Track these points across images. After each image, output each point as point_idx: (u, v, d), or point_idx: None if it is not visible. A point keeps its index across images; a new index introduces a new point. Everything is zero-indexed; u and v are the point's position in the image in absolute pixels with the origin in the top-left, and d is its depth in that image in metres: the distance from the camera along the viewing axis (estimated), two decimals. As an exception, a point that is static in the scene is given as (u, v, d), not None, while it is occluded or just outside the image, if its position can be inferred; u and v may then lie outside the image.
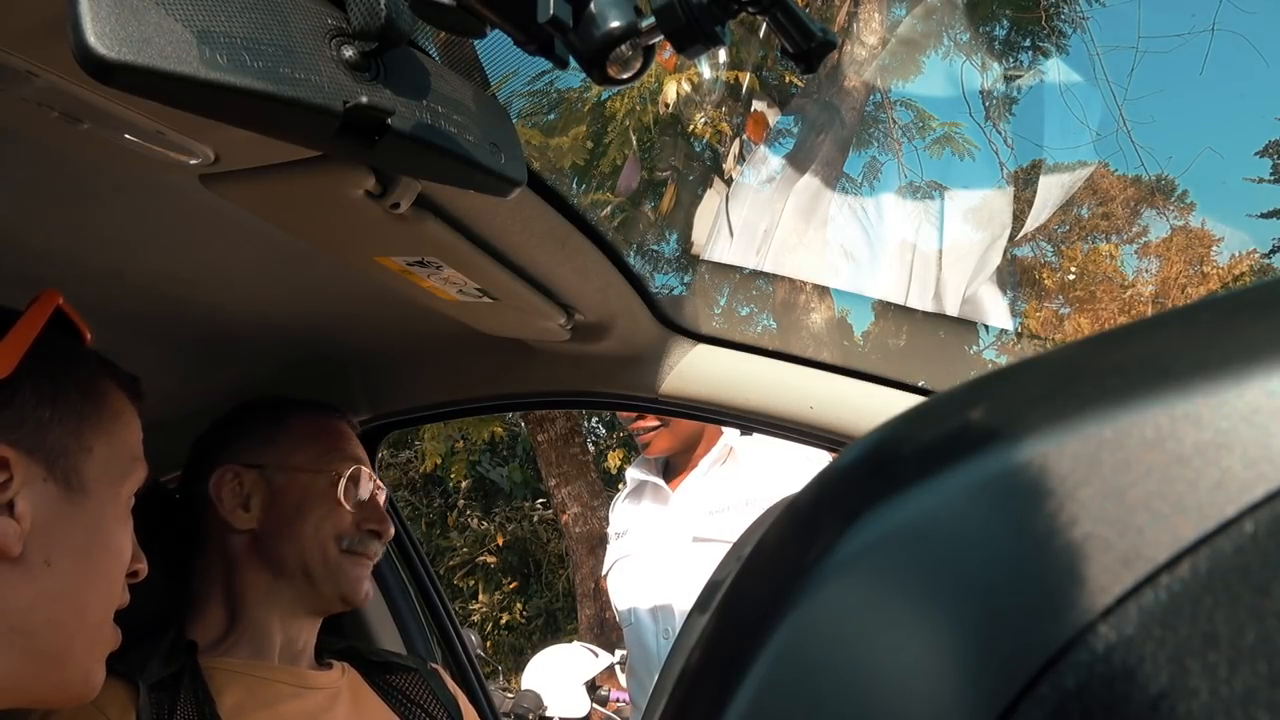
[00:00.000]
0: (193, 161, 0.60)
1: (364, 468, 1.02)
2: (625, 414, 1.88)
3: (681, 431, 1.84)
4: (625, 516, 1.94)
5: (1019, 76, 5.73)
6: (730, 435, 1.85)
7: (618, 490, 2.11)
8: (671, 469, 1.92)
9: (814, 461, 1.75)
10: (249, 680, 0.92)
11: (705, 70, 4.46)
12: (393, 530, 1.04)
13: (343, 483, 0.99)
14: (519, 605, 7.65)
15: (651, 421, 1.82)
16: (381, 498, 1.06)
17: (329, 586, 0.97)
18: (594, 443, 7.85)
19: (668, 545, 1.79)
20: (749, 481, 1.76)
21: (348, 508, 0.99)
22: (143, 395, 0.75)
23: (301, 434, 1.02)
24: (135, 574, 0.71)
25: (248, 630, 0.96)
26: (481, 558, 7.69)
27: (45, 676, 0.62)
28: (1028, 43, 5.89)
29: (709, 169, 5.03)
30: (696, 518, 1.77)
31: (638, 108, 4.65)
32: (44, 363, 0.64)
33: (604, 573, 1.97)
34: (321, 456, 1.00)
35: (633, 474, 1.96)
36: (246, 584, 0.97)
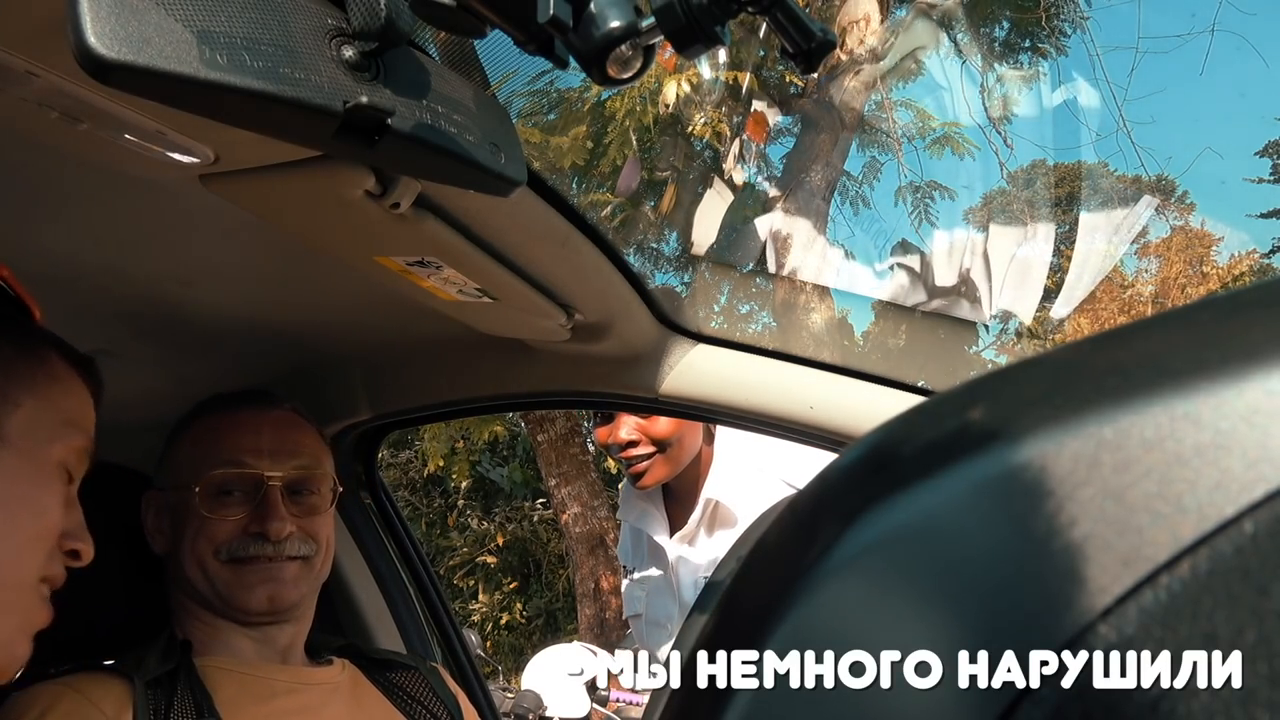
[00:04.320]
0: (193, 161, 0.60)
1: (245, 468, 0.94)
2: (605, 438, 1.67)
3: (679, 458, 1.65)
4: (633, 561, 1.83)
5: (1019, 76, 5.73)
6: (711, 488, 1.68)
7: (618, 490, 2.04)
8: (667, 508, 1.77)
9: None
10: (244, 678, 0.92)
11: (705, 70, 4.45)
12: (284, 527, 0.94)
13: (198, 494, 0.93)
14: (519, 605, 7.65)
15: (645, 448, 1.63)
16: (322, 488, 0.99)
17: (220, 601, 0.94)
18: (594, 443, 7.84)
19: (676, 620, 1.70)
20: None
21: (221, 518, 0.93)
22: (98, 378, 0.74)
23: (187, 446, 0.98)
24: (77, 555, 0.69)
25: (213, 640, 0.96)
26: (481, 558, 7.68)
27: None
28: (1028, 43, 5.89)
29: (709, 169, 5.03)
30: (697, 591, 1.67)
31: (638, 108, 4.65)
32: None
33: (625, 616, 1.87)
34: (194, 468, 0.95)
35: (627, 519, 1.81)
36: (179, 604, 0.97)
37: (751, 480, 1.65)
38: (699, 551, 1.70)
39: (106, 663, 0.90)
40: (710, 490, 1.68)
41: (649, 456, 1.63)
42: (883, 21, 5.01)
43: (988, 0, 5.66)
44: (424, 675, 1.10)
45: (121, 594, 1.05)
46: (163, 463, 1.01)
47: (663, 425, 1.61)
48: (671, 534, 1.75)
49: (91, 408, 0.73)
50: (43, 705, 0.81)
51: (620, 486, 1.94)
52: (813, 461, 1.61)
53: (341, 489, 1.04)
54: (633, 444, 1.62)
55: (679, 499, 1.75)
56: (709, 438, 1.70)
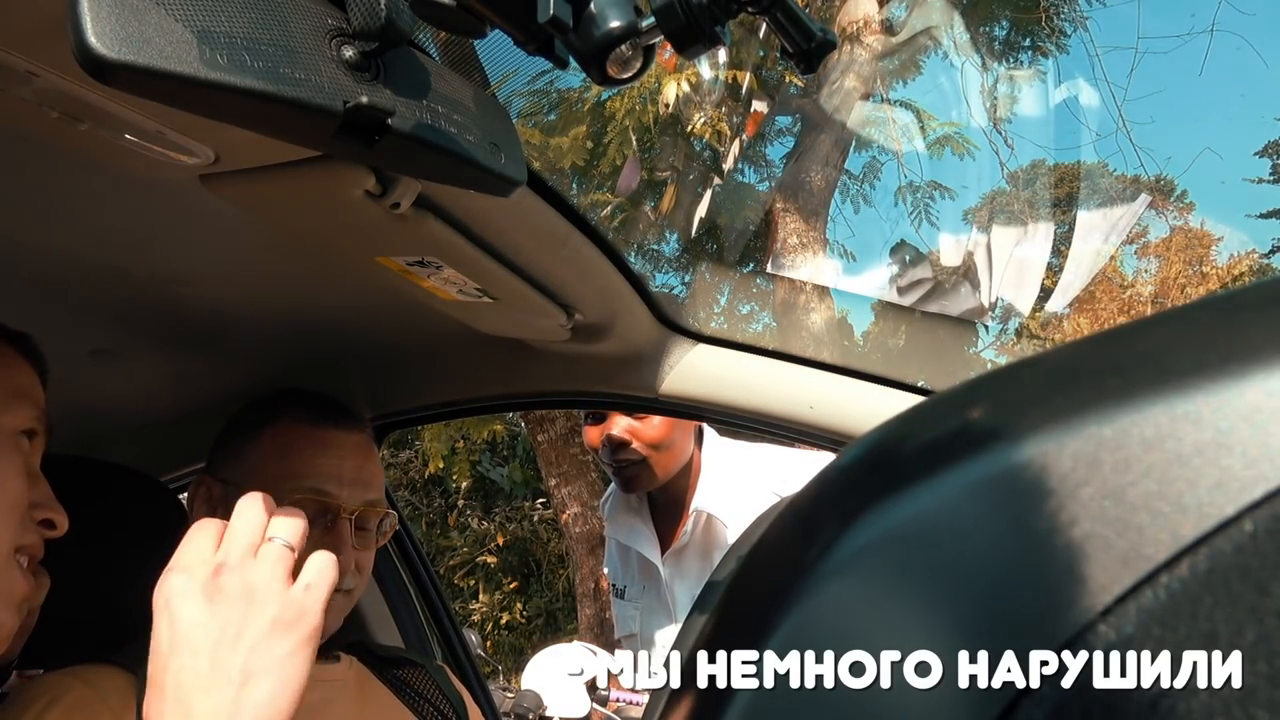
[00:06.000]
0: (193, 161, 0.60)
1: (326, 496, 0.93)
2: (595, 440, 1.61)
3: (669, 463, 1.58)
4: (623, 579, 1.78)
5: (1019, 76, 5.73)
6: (701, 499, 1.63)
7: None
8: (655, 522, 1.71)
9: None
10: None
11: (705, 70, 4.46)
12: (348, 562, 0.93)
13: None
14: (519, 605, 7.65)
15: (636, 451, 1.55)
16: (379, 522, 0.99)
17: None
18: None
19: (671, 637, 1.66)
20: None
21: None
22: (37, 353, 0.74)
23: (268, 451, 0.95)
24: (51, 524, 0.68)
25: None
26: (481, 558, 7.69)
27: None
28: (1028, 43, 5.89)
29: (709, 169, 5.03)
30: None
31: (638, 108, 4.65)
32: None
33: (617, 636, 1.82)
34: (274, 480, 0.92)
35: (615, 536, 1.76)
36: None
37: (741, 492, 1.61)
38: (693, 567, 1.66)
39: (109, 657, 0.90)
40: (700, 502, 1.63)
41: (639, 461, 1.57)
42: (882, 21, 5.01)
43: (988, 0, 5.66)
44: (430, 673, 1.10)
45: (122, 592, 1.05)
46: (228, 454, 0.98)
47: (654, 429, 1.55)
48: (662, 549, 1.71)
49: (37, 381, 0.72)
50: (50, 696, 0.81)
51: (605, 503, 1.87)
52: (803, 470, 1.58)
53: (398, 526, 1.02)
54: (624, 445, 1.56)
55: (667, 512, 1.70)
56: (697, 442, 1.65)
